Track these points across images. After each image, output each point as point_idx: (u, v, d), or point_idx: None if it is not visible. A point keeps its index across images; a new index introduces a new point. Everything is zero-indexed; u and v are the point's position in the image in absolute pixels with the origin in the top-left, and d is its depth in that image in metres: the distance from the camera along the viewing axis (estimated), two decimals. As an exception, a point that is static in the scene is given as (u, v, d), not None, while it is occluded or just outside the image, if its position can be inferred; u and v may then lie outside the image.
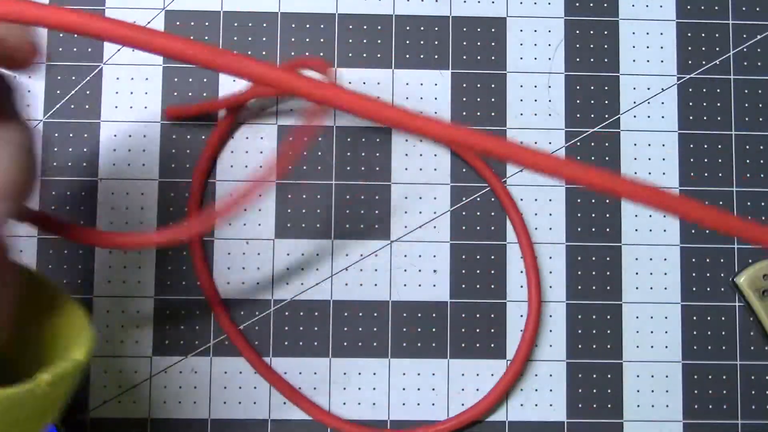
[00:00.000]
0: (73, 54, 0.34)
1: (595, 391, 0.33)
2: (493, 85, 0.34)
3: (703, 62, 0.35)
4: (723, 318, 0.34)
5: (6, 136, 0.21)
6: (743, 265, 0.34)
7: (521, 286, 0.33)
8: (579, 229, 0.34)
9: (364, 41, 0.34)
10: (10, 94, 0.22)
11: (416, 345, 0.33)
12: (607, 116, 0.34)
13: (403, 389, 0.33)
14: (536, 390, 0.33)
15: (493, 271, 0.34)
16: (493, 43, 0.35)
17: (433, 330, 0.33)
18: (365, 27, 0.34)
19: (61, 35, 0.34)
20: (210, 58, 0.18)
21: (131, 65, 0.34)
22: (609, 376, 0.33)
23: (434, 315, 0.33)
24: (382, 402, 0.33)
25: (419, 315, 0.33)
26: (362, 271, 0.33)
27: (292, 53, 0.34)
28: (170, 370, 0.33)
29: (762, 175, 0.34)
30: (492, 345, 0.33)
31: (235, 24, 0.34)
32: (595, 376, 0.33)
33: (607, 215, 0.34)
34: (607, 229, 0.34)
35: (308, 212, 0.34)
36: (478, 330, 0.33)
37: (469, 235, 0.34)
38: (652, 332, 0.33)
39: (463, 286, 0.33)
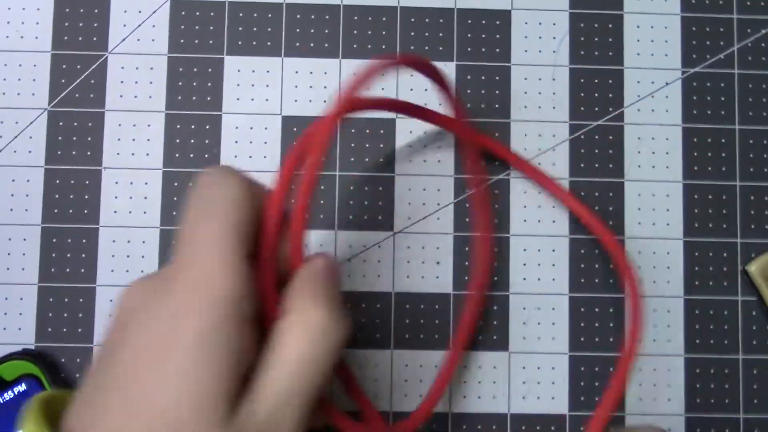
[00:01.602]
0: (78, 43, 0.34)
1: (597, 384, 0.33)
2: (497, 78, 0.34)
3: (708, 56, 0.35)
4: (726, 312, 0.34)
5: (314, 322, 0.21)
6: (747, 258, 0.34)
7: (524, 279, 0.34)
8: (582, 222, 0.34)
9: (369, 32, 0.34)
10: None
11: (419, 336, 0.33)
12: (611, 109, 0.34)
13: (406, 381, 0.33)
14: (538, 383, 0.33)
15: (496, 263, 0.34)
16: (497, 36, 0.35)
17: (436, 322, 0.33)
18: (370, 18, 0.34)
19: (66, 23, 0.34)
20: None
21: (136, 54, 0.34)
22: (611, 369, 0.33)
23: (437, 306, 0.33)
24: (385, 393, 0.33)
25: (422, 306, 0.33)
26: (365, 262, 0.33)
27: (297, 44, 0.34)
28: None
29: (765, 170, 0.34)
30: (494, 337, 0.33)
31: (241, 14, 0.34)
32: (597, 369, 0.33)
33: (610, 208, 0.34)
34: (610, 222, 0.34)
35: (312, 203, 0.34)
36: (480, 322, 0.33)
37: (473, 227, 0.34)
38: (654, 326, 0.33)
39: (466, 278, 0.33)
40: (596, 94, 0.34)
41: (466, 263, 0.34)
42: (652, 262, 0.34)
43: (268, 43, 0.34)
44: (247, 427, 0.20)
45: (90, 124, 0.34)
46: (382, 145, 0.34)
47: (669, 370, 0.33)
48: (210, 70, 0.34)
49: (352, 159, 0.34)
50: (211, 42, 0.34)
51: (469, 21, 0.35)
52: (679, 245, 0.34)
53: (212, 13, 0.34)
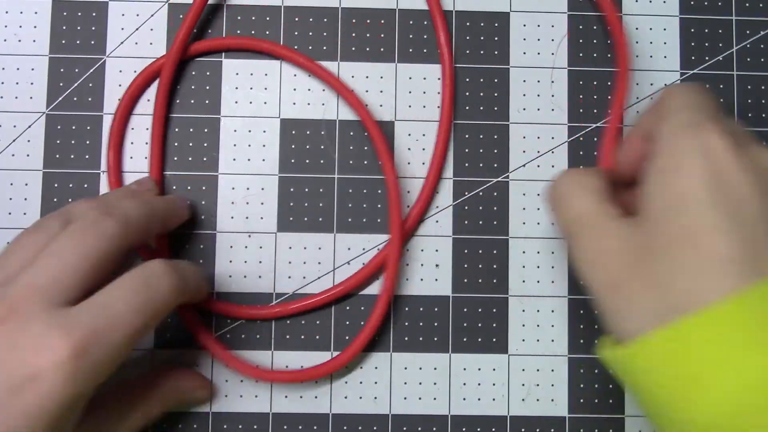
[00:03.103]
0: (75, 46, 0.34)
1: (596, 386, 0.33)
2: (496, 80, 0.34)
3: (707, 58, 0.35)
4: (725, 314, 0.33)
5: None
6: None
7: (523, 281, 0.33)
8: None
9: (367, 35, 0.34)
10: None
11: (418, 339, 0.33)
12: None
13: (405, 383, 0.33)
14: (538, 385, 0.33)
15: (495, 266, 0.34)
16: (496, 38, 0.35)
17: (435, 324, 0.33)
18: (368, 21, 0.34)
19: (63, 27, 0.34)
20: None
21: (134, 58, 0.34)
22: (611, 371, 0.33)
23: (436, 309, 0.33)
24: (384, 396, 0.33)
25: (421, 309, 0.33)
26: (364, 266, 0.33)
27: (296, 47, 0.34)
28: (172, 363, 0.33)
29: (765, 171, 0.34)
30: (494, 340, 0.33)
31: (239, 17, 0.34)
32: (597, 371, 0.33)
33: (610, 210, 0.34)
34: (610, 225, 0.34)
35: (310, 206, 0.34)
36: (480, 324, 0.33)
37: (472, 229, 0.34)
38: (654, 328, 0.33)
39: (465, 280, 0.33)
40: (595, 97, 0.34)
41: (465, 265, 0.34)
42: (651, 264, 0.34)
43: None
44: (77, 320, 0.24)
45: (88, 128, 0.34)
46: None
47: (668, 372, 0.33)
48: (208, 73, 0.34)
49: (351, 161, 0.34)
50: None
51: (468, 23, 0.35)
52: (679, 247, 0.34)
53: (210, 17, 0.34)
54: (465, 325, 0.33)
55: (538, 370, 0.33)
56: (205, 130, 0.34)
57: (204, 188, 0.34)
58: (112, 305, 0.24)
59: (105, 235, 0.25)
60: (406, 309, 0.33)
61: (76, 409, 0.25)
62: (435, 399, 0.33)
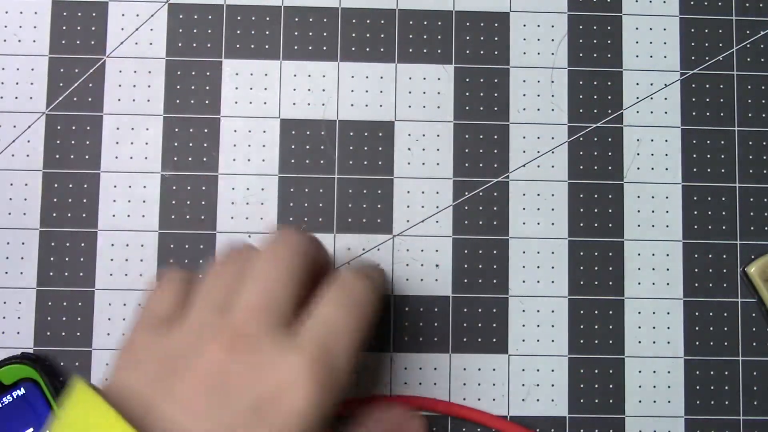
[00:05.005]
0: (75, 47, 0.34)
1: (596, 386, 0.33)
2: (496, 80, 0.34)
3: (707, 58, 0.35)
4: (725, 314, 0.33)
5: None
6: (746, 260, 0.34)
7: (523, 281, 0.33)
8: (581, 224, 0.34)
9: (367, 35, 0.34)
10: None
11: (418, 339, 0.33)
12: (610, 111, 0.34)
13: (405, 383, 0.33)
14: (538, 385, 0.33)
15: (495, 266, 0.34)
16: (496, 38, 0.35)
17: (435, 324, 0.33)
18: (368, 21, 0.34)
19: (63, 27, 0.34)
20: None
21: (134, 58, 0.34)
22: (611, 371, 0.33)
23: (436, 309, 0.33)
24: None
25: (421, 309, 0.33)
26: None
27: (295, 47, 0.34)
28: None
29: (765, 171, 0.34)
30: (494, 340, 0.33)
31: (238, 18, 0.34)
32: (597, 371, 0.33)
33: (610, 210, 0.34)
34: (610, 225, 0.34)
35: (311, 206, 0.34)
36: (480, 325, 0.33)
37: (472, 229, 0.34)
38: (654, 328, 0.33)
39: (465, 280, 0.33)
40: (595, 96, 0.34)
41: (466, 266, 0.34)
42: (651, 264, 0.34)
43: (266, 46, 0.34)
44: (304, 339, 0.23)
45: (88, 128, 0.34)
46: (381, 148, 0.34)
47: (669, 372, 0.33)
48: (208, 73, 0.34)
49: (351, 162, 0.34)
50: (209, 45, 0.34)
51: (468, 23, 0.35)
52: (679, 247, 0.34)
53: (210, 17, 0.34)
54: (465, 325, 0.33)
55: (538, 370, 0.33)
56: (205, 130, 0.34)
57: (204, 188, 0.34)
58: (332, 320, 0.24)
59: (300, 252, 0.25)
60: (406, 309, 0.33)
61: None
62: (435, 399, 0.33)
